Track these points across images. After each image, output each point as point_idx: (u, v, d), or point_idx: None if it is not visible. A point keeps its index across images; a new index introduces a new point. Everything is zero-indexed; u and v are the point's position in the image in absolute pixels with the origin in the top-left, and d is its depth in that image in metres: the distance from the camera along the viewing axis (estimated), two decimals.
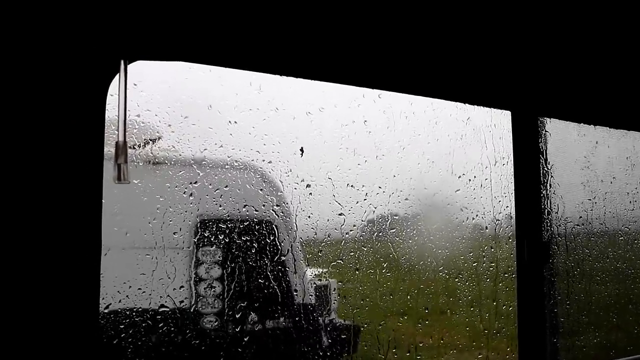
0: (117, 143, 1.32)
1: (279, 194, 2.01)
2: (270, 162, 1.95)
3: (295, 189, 1.98)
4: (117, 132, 1.32)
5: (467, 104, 2.07)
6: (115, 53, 1.31)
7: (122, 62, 1.31)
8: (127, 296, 1.77)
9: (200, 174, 1.90)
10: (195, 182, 1.89)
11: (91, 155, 1.30)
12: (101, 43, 1.30)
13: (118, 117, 1.32)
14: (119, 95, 1.32)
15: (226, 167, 1.93)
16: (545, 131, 2.37)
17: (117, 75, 1.32)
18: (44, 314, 1.24)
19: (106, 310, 1.72)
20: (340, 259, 2.12)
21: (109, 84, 1.32)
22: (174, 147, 1.82)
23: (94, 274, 1.31)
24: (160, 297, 1.83)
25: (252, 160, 1.94)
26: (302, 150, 1.95)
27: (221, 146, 1.88)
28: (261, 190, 2.00)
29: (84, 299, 1.30)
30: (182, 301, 1.91)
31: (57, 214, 1.26)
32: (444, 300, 2.42)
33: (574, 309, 2.62)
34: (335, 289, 2.29)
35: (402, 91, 1.89)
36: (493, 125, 2.31)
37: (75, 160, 1.28)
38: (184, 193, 1.87)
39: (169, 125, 1.81)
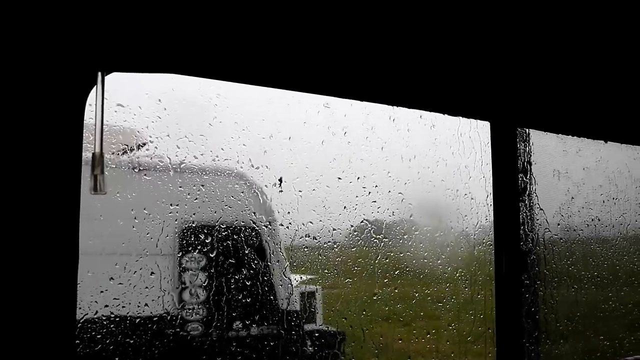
0: (93, 154, 1.33)
1: (263, 200, 2.01)
2: (252, 169, 1.96)
3: (279, 196, 1.99)
4: (94, 143, 1.32)
5: (446, 115, 2.09)
6: (92, 65, 1.32)
7: (99, 73, 1.32)
8: (105, 305, 1.77)
9: (184, 181, 1.90)
10: (179, 189, 1.89)
11: (69, 164, 1.31)
12: (78, 55, 1.30)
13: (95, 128, 1.33)
14: (95, 106, 1.32)
15: (209, 174, 1.94)
16: (525, 141, 2.40)
17: (95, 87, 1.33)
18: (18, 322, 1.23)
19: (83, 319, 1.72)
20: (324, 266, 2.13)
21: (87, 95, 1.33)
22: (156, 153, 1.83)
23: (70, 281, 1.31)
24: (138, 305, 1.83)
25: (235, 167, 1.95)
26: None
27: (202, 154, 1.89)
28: (244, 197, 2.01)
29: (60, 307, 1.30)
30: (163, 308, 1.91)
31: (35, 223, 1.26)
32: (428, 306, 2.44)
33: (551, 317, 2.65)
34: (319, 295, 2.30)
35: (381, 102, 1.90)
36: (475, 135, 2.33)
37: (53, 169, 1.29)
38: (167, 199, 1.88)
39: (152, 132, 1.81)
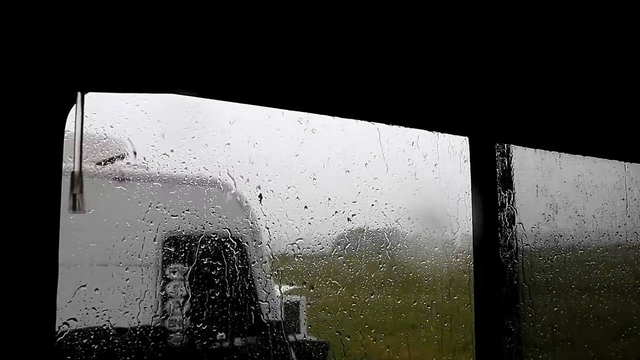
0: (72, 173, 1.34)
1: (247, 210, 2.03)
2: (235, 182, 1.98)
3: (263, 208, 2.01)
4: (73, 162, 1.34)
5: (424, 130, 2.12)
6: (71, 85, 1.33)
7: (78, 93, 1.33)
8: (85, 318, 1.77)
9: (167, 191, 1.91)
10: (162, 199, 1.90)
11: (50, 180, 1.33)
12: (58, 75, 1.32)
13: (74, 147, 1.34)
14: (75, 126, 1.34)
15: (192, 185, 1.95)
16: (504, 156, 2.43)
17: (75, 106, 1.35)
18: None
19: (62, 333, 1.72)
20: (310, 276, 2.14)
21: (67, 114, 1.35)
22: (139, 163, 1.84)
23: (49, 294, 1.33)
24: (119, 317, 1.84)
25: (218, 179, 1.97)
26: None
27: (186, 168, 1.91)
28: (228, 208, 2.02)
29: (39, 321, 1.31)
30: (144, 320, 1.91)
31: (14, 238, 1.28)
32: (412, 317, 2.46)
33: (531, 329, 2.69)
34: (303, 306, 2.31)
35: (359, 118, 1.93)
36: (454, 150, 2.37)
37: (34, 185, 1.31)
38: (150, 210, 1.89)
39: (132, 143, 1.83)
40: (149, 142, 1.84)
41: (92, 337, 1.79)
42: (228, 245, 2.03)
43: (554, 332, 2.83)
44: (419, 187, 2.35)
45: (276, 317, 2.18)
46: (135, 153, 1.81)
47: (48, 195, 1.33)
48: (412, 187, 2.34)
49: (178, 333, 2.04)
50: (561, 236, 2.83)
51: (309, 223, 2.09)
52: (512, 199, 2.50)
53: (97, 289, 1.81)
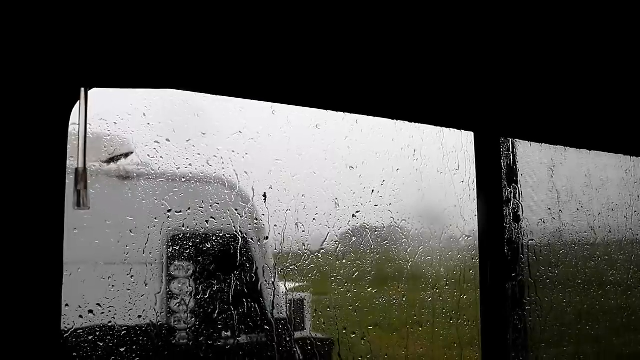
0: (76, 169, 1.34)
1: (252, 208, 2.03)
2: (239, 179, 1.98)
3: (267, 205, 2.01)
4: (77, 158, 1.34)
5: (429, 125, 2.12)
6: (75, 81, 1.33)
7: (82, 89, 1.33)
8: (90, 316, 1.77)
9: (171, 188, 1.91)
10: (166, 197, 1.90)
11: (54, 177, 1.33)
12: (62, 71, 1.32)
13: (78, 144, 1.34)
14: (79, 122, 1.34)
15: (197, 182, 1.95)
16: (509, 151, 2.42)
17: (78, 102, 1.35)
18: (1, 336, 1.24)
19: (70, 329, 1.72)
20: (315, 272, 2.14)
21: (71, 110, 1.35)
22: (143, 161, 1.84)
23: (54, 292, 1.33)
24: (124, 315, 1.84)
25: (223, 176, 1.97)
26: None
27: (190, 165, 1.91)
28: (233, 204, 2.02)
29: (45, 319, 1.31)
30: (149, 318, 1.92)
31: (19, 236, 1.28)
32: (417, 313, 2.46)
33: (537, 324, 2.68)
34: (308, 302, 2.31)
35: (364, 113, 1.92)
36: (459, 144, 2.36)
37: (38, 182, 1.31)
38: (154, 208, 1.89)
39: (138, 141, 1.83)
40: (152, 139, 1.84)
41: (97, 334, 1.79)
42: (233, 242, 2.03)
43: (560, 327, 2.82)
44: (424, 182, 2.34)
45: (281, 314, 2.18)
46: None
47: (52, 192, 1.32)
48: (417, 182, 2.33)
49: (183, 330, 2.04)
50: (567, 231, 2.82)
51: (314, 219, 2.09)
52: (517, 194, 2.49)
53: (102, 287, 1.81)
